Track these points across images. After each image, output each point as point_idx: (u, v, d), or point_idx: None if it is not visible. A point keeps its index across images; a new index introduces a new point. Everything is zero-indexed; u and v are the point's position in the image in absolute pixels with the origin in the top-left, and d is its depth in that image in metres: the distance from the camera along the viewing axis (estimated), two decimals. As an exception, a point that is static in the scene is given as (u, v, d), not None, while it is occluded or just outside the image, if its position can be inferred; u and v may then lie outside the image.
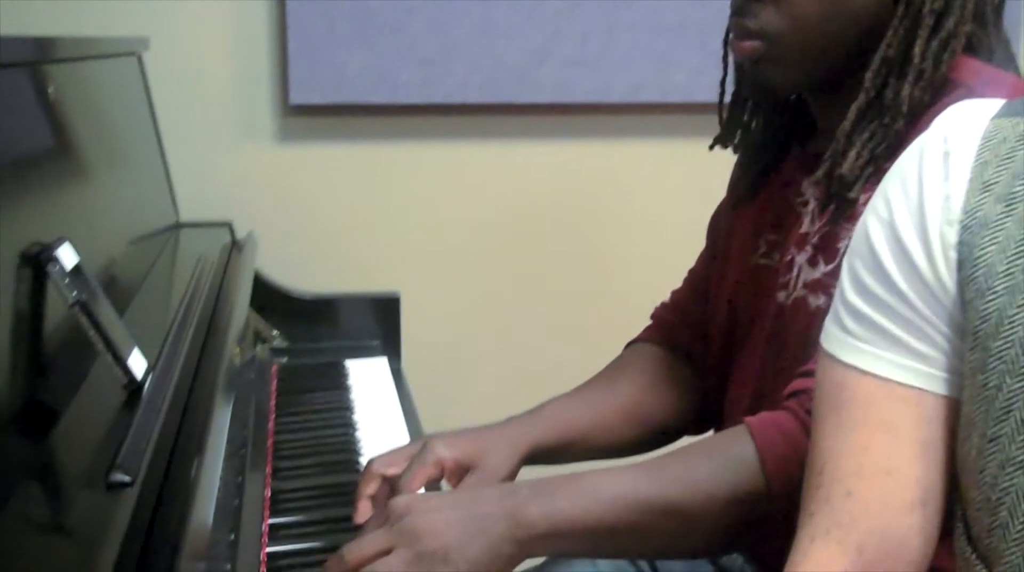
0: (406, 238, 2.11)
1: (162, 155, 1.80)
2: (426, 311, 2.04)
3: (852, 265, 0.85)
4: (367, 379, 1.67)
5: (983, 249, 0.77)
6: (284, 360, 1.72)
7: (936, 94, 1.06)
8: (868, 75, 1.07)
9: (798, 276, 1.15)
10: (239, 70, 2.00)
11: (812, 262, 1.14)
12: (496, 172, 2.12)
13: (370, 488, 1.13)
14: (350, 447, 1.41)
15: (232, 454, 1.08)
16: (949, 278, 0.79)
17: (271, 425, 1.45)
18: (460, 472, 1.13)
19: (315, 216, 2.07)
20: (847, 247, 1.05)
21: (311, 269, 1.97)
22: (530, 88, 2.04)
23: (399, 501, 1.02)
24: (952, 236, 0.79)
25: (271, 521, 1.19)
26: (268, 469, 1.32)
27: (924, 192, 0.81)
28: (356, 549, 0.99)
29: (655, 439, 1.33)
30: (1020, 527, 0.75)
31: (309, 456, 1.37)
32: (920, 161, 0.82)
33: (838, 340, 0.85)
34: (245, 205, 1.97)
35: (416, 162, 2.09)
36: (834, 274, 1.09)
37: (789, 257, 1.17)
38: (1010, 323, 0.75)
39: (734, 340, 1.27)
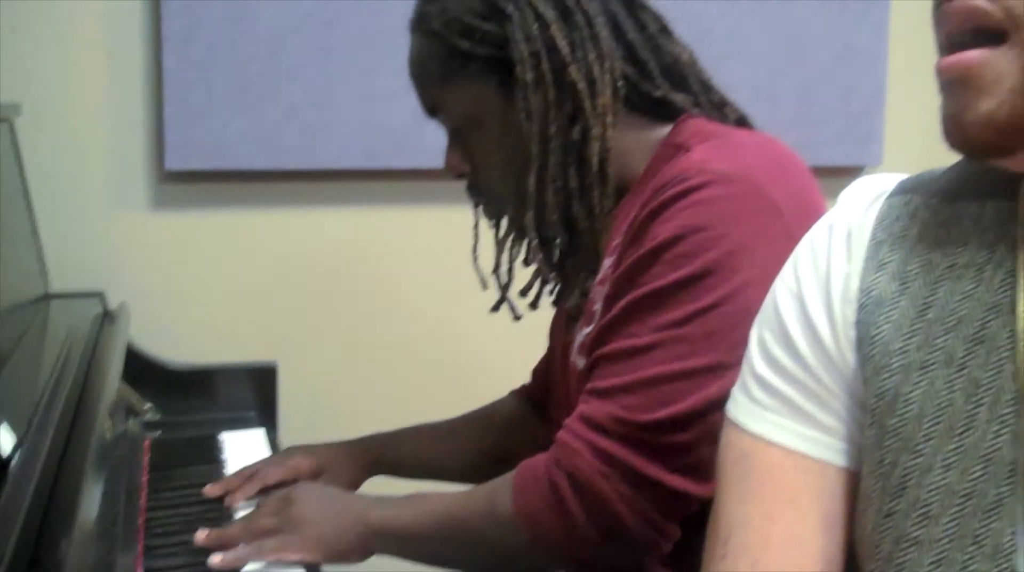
0: (284, 307, 2.08)
1: (32, 223, 1.75)
2: (304, 381, 2.01)
3: (761, 335, 0.86)
4: (243, 452, 1.63)
5: (879, 327, 0.78)
6: (157, 433, 1.67)
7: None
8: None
9: (579, 343, 1.25)
10: (113, 136, 1.96)
11: (581, 328, 1.25)
12: (377, 238, 2.10)
13: (235, 482, 1.41)
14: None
15: (103, 532, 1.04)
16: (850, 355, 0.80)
17: (143, 502, 1.41)
18: (313, 476, 1.43)
19: (191, 285, 2.03)
20: (601, 310, 1.19)
21: (186, 340, 1.93)
22: (413, 154, 2.02)
23: (290, 489, 1.31)
24: (851, 314, 0.80)
25: (143, 602, 1.15)
26: (140, 547, 1.28)
27: (831, 269, 0.82)
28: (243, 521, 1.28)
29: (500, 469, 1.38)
30: None
31: (182, 533, 1.33)
32: (829, 238, 0.84)
33: (745, 409, 0.85)
34: (118, 274, 1.93)
35: (293, 229, 2.06)
36: (596, 338, 1.19)
37: (576, 327, 1.28)
38: (905, 401, 0.76)
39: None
